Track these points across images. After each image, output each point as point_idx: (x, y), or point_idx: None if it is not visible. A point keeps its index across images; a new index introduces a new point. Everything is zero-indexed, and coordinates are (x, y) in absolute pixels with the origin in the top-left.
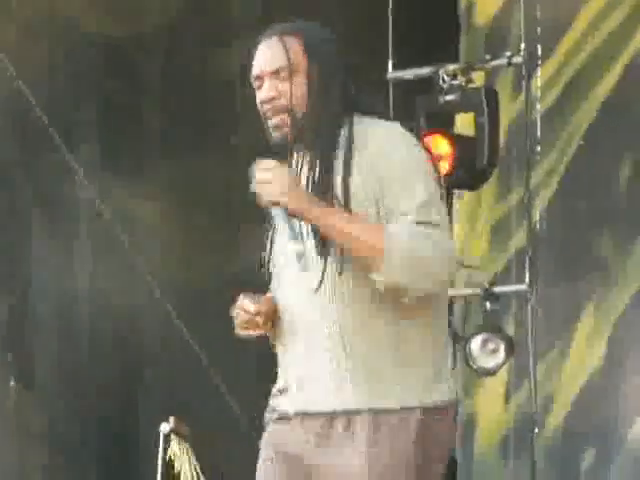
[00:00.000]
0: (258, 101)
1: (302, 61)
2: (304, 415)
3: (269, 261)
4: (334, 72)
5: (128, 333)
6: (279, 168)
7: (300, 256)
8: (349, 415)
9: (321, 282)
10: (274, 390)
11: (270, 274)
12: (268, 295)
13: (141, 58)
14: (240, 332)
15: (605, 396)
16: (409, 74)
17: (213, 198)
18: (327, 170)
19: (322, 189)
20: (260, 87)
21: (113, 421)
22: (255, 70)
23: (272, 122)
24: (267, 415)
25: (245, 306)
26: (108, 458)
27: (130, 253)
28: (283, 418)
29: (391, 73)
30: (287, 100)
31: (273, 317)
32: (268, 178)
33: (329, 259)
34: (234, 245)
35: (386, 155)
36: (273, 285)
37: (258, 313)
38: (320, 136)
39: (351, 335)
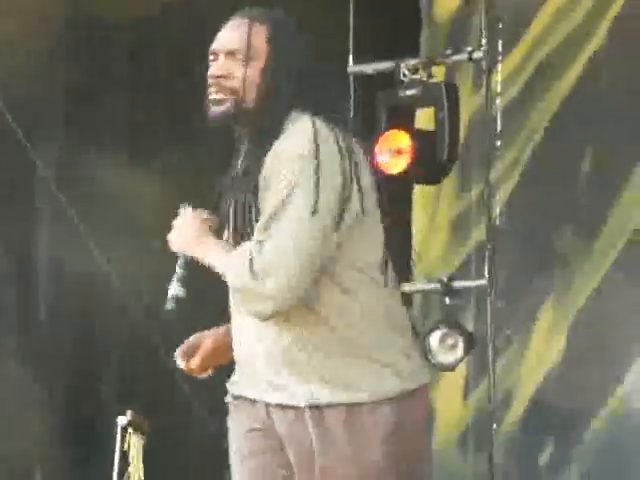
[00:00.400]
0: (208, 74)
1: (263, 50)
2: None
3: None
4: (293, 67)
5: (89, 324)
6: (179, 218)
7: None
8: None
9: None
10: None
11: None
12: (210, 333)
13: (108, 49)
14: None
15: (564, 391)
16: (370, 68)
17: (185, 190)
18: (252, 164)
19: (246, 184)
20: (213, 62)
21: (71, 411)
22: (214, 44)
23: (214, 96)
24: None
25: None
26: (64, 447)
27: (91, 243)
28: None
29: (352, 67)
30: (237, 82)
31: (221, 350)
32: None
33: None
34: None
35: (270, 163)
36: None
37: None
38: (262, 127)
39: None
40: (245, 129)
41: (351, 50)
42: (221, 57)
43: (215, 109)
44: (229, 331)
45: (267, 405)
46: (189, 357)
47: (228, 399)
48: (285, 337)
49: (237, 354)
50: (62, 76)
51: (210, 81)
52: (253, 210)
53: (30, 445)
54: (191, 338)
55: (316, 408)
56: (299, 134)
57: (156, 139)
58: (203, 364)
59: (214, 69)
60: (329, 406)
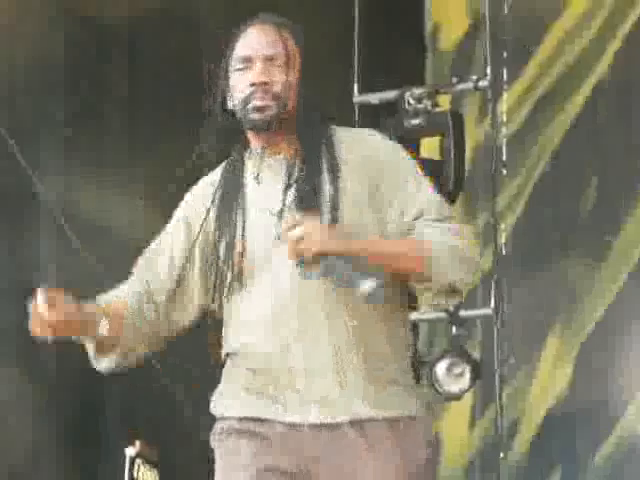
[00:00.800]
0: (246, 82)
1: (297, 56)
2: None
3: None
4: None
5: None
6: (306, 220)
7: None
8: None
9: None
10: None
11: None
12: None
13: (105, 58)
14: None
15: (571, 419)
16: (375, 98)
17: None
18: (315, 171)
19: (310, 189)
20: (247, 69)
21: (76, 444)
22: (245, 51)
23: (256, 103)
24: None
25: (38, 307)
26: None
27: (93, 265)
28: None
29: (357, 97)
30: (279, 88)
31: (75, 324)
32: (301, 234)
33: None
34: None
35: (378, 157)
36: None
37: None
38: (309, 134)
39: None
40: (283, 136)
41: (355, 80)
42: (258, 63)
43: (258, 116)
44: (94, 315)
45: (292, 426)
46: (49, 307)
47: (228, 424)
48: (336, 343)
49: (257, 365)
50: (63, 99)
51: (252, 88)
52: (329, 210)
53: (34, 475)
54: (57, 294)
55: (358, 422)
56: (374, 134)
57: (159, 161)
58: (63, 327)
59: (256, 75)
60: (370, 420)
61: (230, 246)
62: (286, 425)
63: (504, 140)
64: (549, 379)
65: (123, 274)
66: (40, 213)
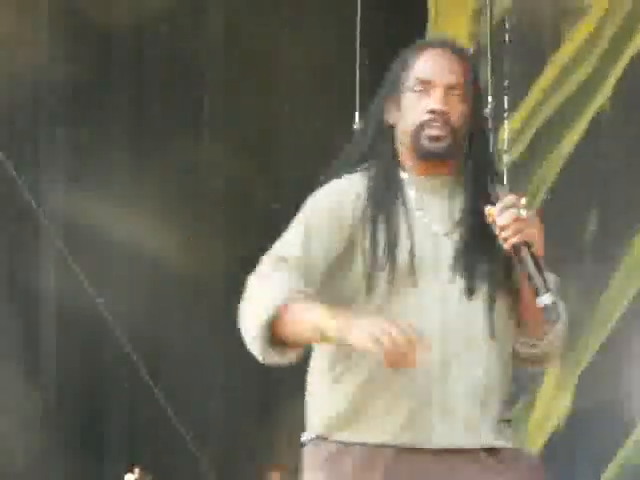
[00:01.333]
0: (423, 106)
1: (471, 89)
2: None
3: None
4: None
5: (93, 382)
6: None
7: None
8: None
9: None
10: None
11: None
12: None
13: (110, 95)
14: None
15: (571, 449)
16: None
17: (184, 225)
18: (482, 204)
19: (483, 223)
20: (425, 92)
21: (76, 472)
22: (427, 74)
23: (433, 132)
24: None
25: (408, 331)
26: None
27: (95, 296)
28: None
29: (358, 124)
30: (455, 119)
31: None
32: (529, 218)
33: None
34: (203, 284)
35: None
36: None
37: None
38: (478, 168)
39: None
40: (448, 162)
41: (357, 107)
42: (438, 90)
43: (432, 145)
44: None
45: (436, 453)
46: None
47: (358, 455)
48: (487, 370)
49: (407, 380)
50: (64, 123)
51: (430, 115)
52: (486, 249)
53: None
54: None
55: (491, 449)
56: None
57: (160, 188)
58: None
59: (436, 104)
60: (502, 449)
61: (392, 245)
62: (428, 454)
63: (505, 168)
64: (548, 409)
65: (122, 294)
66: (40, 231)
